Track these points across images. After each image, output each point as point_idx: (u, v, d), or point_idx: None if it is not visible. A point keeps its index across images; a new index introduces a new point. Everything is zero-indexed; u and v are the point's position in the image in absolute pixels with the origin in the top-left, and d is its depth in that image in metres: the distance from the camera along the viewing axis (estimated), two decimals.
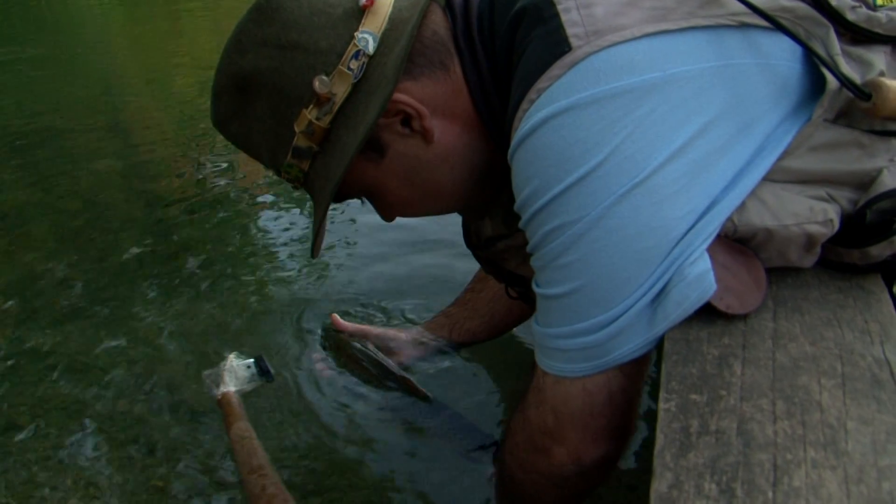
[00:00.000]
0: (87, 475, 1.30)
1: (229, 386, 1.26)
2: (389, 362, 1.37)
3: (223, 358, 1.34)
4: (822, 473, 0.58)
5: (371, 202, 0.95)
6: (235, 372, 1.28)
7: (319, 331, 1.54)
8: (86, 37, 6.76)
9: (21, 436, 1.39)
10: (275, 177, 0.93)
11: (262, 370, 1.29)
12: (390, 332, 1.45)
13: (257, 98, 0.84)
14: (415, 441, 1.31)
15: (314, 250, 0.91)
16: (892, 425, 0.61)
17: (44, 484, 1.28)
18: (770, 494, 0.57)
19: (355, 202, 0.95)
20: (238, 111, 0.87)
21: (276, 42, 0.80)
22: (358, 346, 1.40)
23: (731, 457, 0.60)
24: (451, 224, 1.04)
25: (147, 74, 4.80)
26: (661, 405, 0.66)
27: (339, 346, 1.44)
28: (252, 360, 1.31)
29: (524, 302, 1.20)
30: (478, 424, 1.30)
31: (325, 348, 1.48)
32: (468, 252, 1.16)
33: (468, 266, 1.40)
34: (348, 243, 2.13)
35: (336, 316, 1.47)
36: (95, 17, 7.99)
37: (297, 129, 0.82)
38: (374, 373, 1.37)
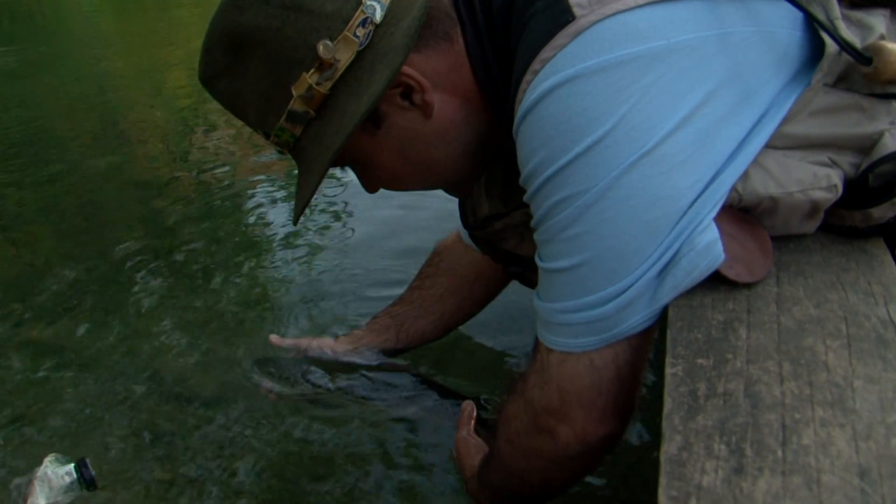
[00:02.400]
0: (95, 468, 1.30)
1: (39, 500, 1.05)
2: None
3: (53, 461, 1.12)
4: (831, 431, 0.58)
5: (357, 172, 0.93)
6: (49, 481, 1.07)
7: (254, 364, 1.43)
8: (77, 36, 6.74)
9: (28, 429, 1.39)
10: (269, 155, 0.89)
11: (83, 478, 1.08)
12: (326, 342, 1.37)
13: (252, 57, 0.81)
14: (406, 424, 1.29)
15: (296, 217, 0.88)
16: None
17: None
18: (780, 453, 0.57)
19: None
20: (229, 69, 0.84)
21: (280, 2, 0.78)
22: (304, 364, 1.33)
23: (739, 418, 0.60)
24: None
25: (140, 72, 4.79)
26: (668, 370, 0.66)
27: (284, 371, 1.36)
28: (72, 465, 1.09)
29: (521, 283, 1.19)
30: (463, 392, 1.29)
31: (270, 376, 1.36)
32: None
33: None
34: (347, 229, 2.14)
35: (274, 336, 1.40)
36: (86, 16, 7.95)
37: (295, 93, 0.80)
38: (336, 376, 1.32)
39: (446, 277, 1.35)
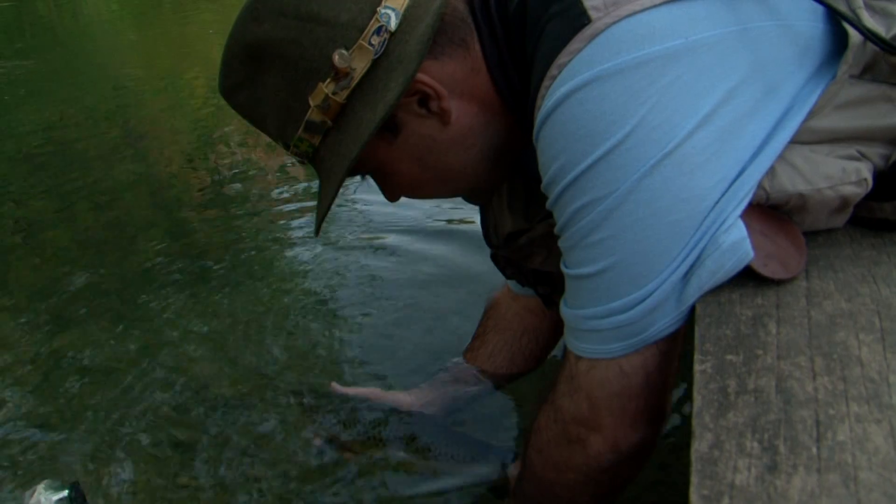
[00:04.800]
0: (118, 475, 1.30)
1: None
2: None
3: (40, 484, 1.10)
4: (867, 427, 0.57)
5: (377, 181, 0.92)
6: None
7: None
8: (97, 46, 6.81)
9: (53, 437, 1.40)
10: (288, 161, 0.88)
11: (77, 502, 1.07)
12: (390, 396, 1.30)
13: (270, 68, 0.81)
14: (419, 467, 1.25)
15: (317, 226, 0.88)
16: None
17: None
18: (814, 450, 0.56)
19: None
20: (248, 81, 0.84)
21: (296, 13, 0.78)
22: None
23: (771, 414, 0.59)
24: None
25: (159, 81, 4.83)
26: (697, 367, 0.65)
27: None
28: (66, 490, 1.07)
29: (546, 305, 1.15)
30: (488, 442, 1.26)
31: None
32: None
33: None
34: (371, 237, 2.14)
35: (335, 385, 1.36)
36: (105, 25, 8.04)
37: (312, 103, 0.80)
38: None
39: (493, 334, 1.32)
